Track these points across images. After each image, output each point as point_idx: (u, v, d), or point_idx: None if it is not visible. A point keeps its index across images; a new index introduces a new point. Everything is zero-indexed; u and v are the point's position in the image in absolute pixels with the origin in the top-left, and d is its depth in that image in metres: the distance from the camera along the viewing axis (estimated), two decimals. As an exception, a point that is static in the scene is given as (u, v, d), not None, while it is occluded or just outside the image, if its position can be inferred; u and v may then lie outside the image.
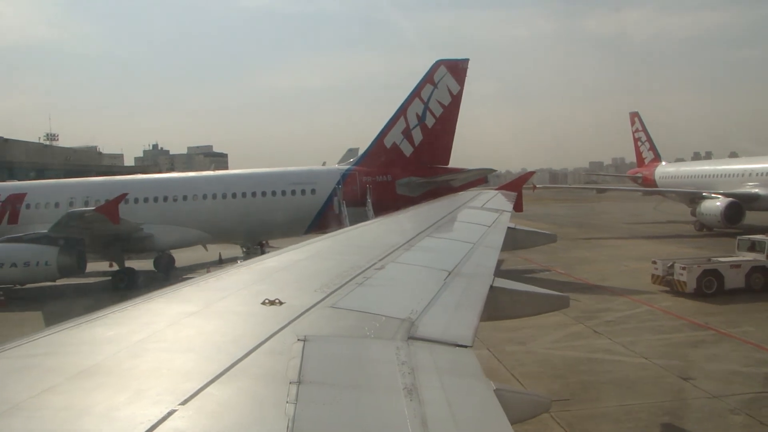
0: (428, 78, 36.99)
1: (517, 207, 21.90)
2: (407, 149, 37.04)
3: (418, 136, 36.93)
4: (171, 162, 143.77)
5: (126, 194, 31.54)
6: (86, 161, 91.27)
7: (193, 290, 4.89)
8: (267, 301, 4.13)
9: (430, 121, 36.84)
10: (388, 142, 37.27)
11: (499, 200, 17.04)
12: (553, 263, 33.91)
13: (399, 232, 9.45)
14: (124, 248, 33.07)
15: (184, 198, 34.64)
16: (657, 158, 67.01)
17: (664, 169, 63.56)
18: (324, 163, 47.35)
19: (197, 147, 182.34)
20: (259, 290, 4.64)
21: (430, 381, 2.96)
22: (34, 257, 29.14)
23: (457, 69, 37.08)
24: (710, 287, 23.53)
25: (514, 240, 11.85)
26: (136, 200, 33.54)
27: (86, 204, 33.17)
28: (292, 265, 6.34)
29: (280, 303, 4.10)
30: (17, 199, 34.16)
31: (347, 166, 38.22)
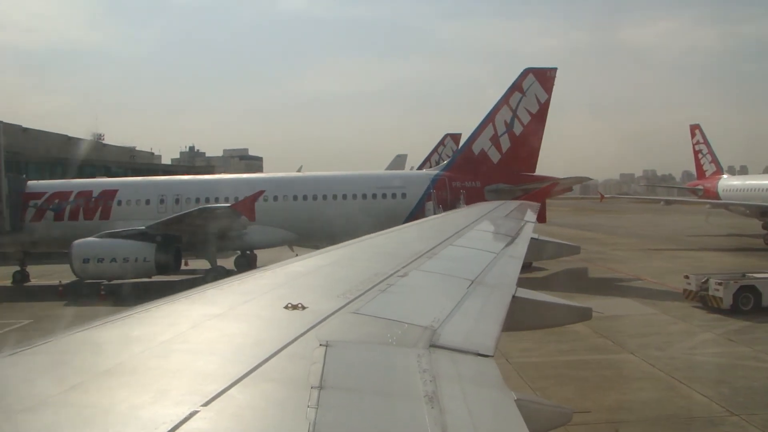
0: (516, 86, 37.20)
1: (540, 218, 21.76)
2: (495, 156, 37.30)
3: (506, 143, 37.19)
4: (207, 164, 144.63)
5: (263, 191, 32.40)
6: (143, 160, 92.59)
7: (217, 293, 4.93)
8: (290, 305, 4.14)
9: (517, 129, 37.06)
10: (476, 148, 37.58)
11: (522, 210, 16.95)
12: (637, 272, 33.53)
13: (422, 240, 9.45)
14: (219, 247, 33.57)
15: (275, 198, 34.84)
16: (719, 171, 65.82)
17: (728, 182, 62.02)
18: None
19: (233, 150, 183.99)
20: (283, 294, 4.65)
21: (451, 389, 2.95)
22: (133, 253, 29.76)
23: (544, 77, 37.27)
24: (747, 304, 22.85)
25: (537, 250, 11.79)
26: (227, 199, 33.83)
27: (177, 202, 34.16)
28: (316, 271, 6.36)
29: (303, 308, 4.12)
30: (109, 195, 34.91)
31: (436, 171, 38.64)
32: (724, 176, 64.53)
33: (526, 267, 34.50)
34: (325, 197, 35.69)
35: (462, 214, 16.40)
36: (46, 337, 3.44)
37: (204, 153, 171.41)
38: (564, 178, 38.90)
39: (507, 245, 9.12)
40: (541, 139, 37.77)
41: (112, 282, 30.51)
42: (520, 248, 9.12)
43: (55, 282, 32.73)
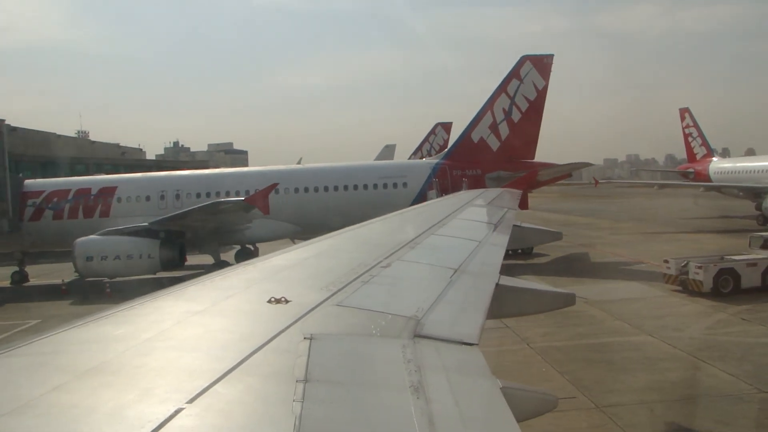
0: (514, 73, 37.43)
1: (522, 205, 21.91)
2: (494, 144, 37.63)
3: (504, 130, 37.47)
4: (192, 158, 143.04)
5: (276, 184, 32.18)
6: (133, 156, 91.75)
7: (199, 289, 4.90)
8: (273, 299, 4.13)
9: (516, 116, 37.36)
10: (475, 136, 37.85)
11: (504, 198, 17.01)
12: (639, 256, 33.93)
13: (405, 230, 9.46)
14: (221, 241, 33.49)
15: (276, 191, 34.43)
16: (709, 153, 66.30)
17: (719, 165, 62.64)
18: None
19: (218, 144, 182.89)
20: (265, 289, 4.65)
21: (436, 379, 2.97)
22: (137, 250, 29.65)
23: (542, 64, 37.54)
24: (726, 286, 23.08)
25: (520, 238, 11.84)
26: (228, 193, 33.86)
27: (177, 197, 34.07)
28: (298, 264, 6.34)
29: (286, 301, 4.11)
30: (108, 192, 34.64)
31: (436, 160, 38.85)
32: (715, 159, 65.05)
33: (528, 253, 35.11)
34: (326, 189, 35.76)
35: (444, 203, 16.42)
36: (25, 339, 3.41)
37: (189, 148, 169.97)
38: (565, 164, 39.20)
39: (489, 233, 9.15)
40: (539, 125, 38.11)
41: (114, 279, 30.34)
42: (503, 236, 9.16)
43: (56, 281, 32.59)
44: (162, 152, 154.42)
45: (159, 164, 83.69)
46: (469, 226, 10.45)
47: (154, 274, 30.25)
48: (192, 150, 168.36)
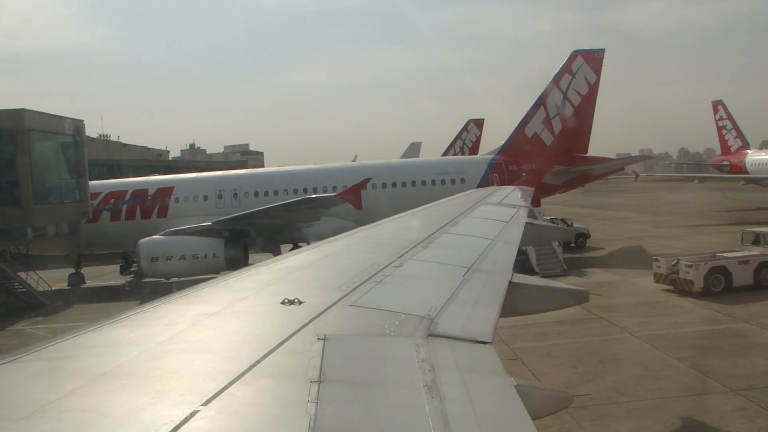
0: (566, 68, 37.59)
1: (534, 202, 21.88)
2: (548, 138, 37.73)
3: (557, 125, 37.56)
4: (209, 160, 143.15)
5: (369, 179, 32.39)
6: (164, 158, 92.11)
7: (213, 291, 4.92)
8: (286, 300, 4.13)
9: (569, 111, 37.43)
10: (529, 131, 38.04)
11: (516, 196, 16.96)
12: (694, 248, 33.05)
13: (417, 229, 9.44)
14: (283, 239, 33.58)
15: (334, 188, 34.47)
16: (744, 146, 65.49)
17: (756, 157, 61.79)
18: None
19: (234, 146, 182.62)
20: (279, 290, 4.65)
21: (450, 378, 2.95)
22: (203, 249, 29.58)
23: (593, 59, 37.69)
24: (718, 285, 22.52)
25: (533, 235, 11.80)
26: (286, 191, 34.06)
27: (235, 196, 34.31)
28: (311, 264, 6.35)
29: (300, 302, 4.11)
30: (165, 193, 34.82)
31: (492, 156, 38.93)
32: (750, 151, 64.02)
33: (581, 246, 34.99)
34: (384, 185, 35.74)
35: (457, 201, 16.38)
36: (41, 343, 3.43)
37: (205, 150, 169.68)
38: (619, 159, 39.21)
39: (502, 231, 9.12)
40: (591, 119, 38.11)
41: (170, 280, 30.25)
42: (516, 233, 9.12)
43: (112, 283, 33.22)
44: (178, 154, 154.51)
45: (201, 165, 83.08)
46: (482, 225, 10.42)
47: (218, 273, 29.97)
48: (208, 152, 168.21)
